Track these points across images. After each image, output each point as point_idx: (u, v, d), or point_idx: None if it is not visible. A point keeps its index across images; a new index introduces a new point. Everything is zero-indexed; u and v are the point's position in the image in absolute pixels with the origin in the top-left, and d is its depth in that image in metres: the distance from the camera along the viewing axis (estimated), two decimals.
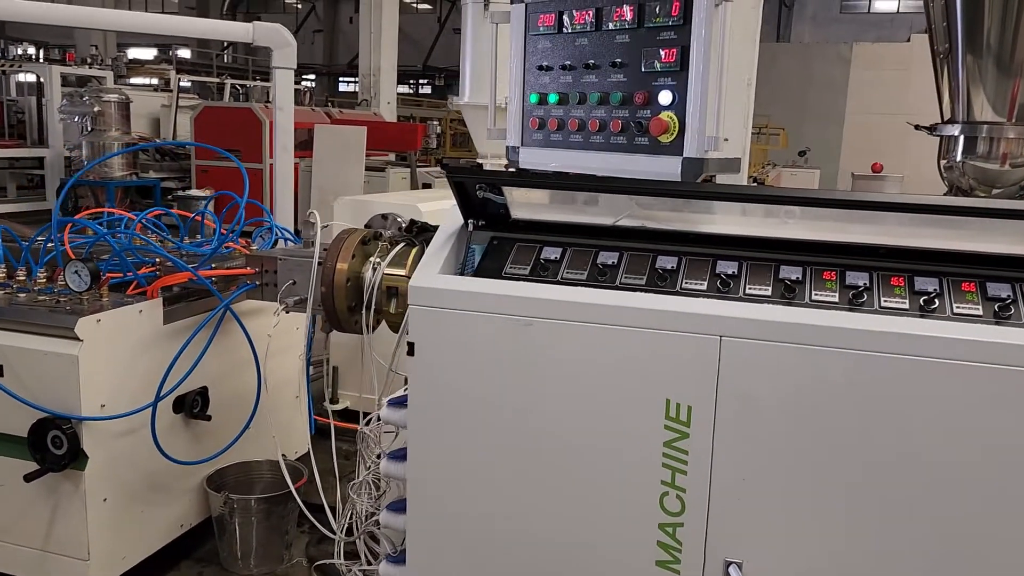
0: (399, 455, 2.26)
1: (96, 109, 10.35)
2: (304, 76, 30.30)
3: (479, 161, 5.13)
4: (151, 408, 2.75)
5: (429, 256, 2.06)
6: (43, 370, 2.60)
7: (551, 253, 1.98)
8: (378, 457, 2.43)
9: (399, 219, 4.22)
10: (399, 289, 2.75)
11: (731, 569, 1.81)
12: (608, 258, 1.94)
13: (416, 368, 1.96)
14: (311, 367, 3.51)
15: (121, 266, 2.92)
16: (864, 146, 16.52)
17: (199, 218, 3.74)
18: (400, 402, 2.29)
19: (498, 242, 2.06)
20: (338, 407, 4.42)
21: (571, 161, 2.04)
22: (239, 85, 16.04)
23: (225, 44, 26.52)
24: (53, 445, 2.59)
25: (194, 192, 11.20)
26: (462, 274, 2.04)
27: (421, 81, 32.89)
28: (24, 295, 2.78)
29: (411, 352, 1.96)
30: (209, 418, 3.05)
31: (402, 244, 2.82)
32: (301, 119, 11.95)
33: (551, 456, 1.89)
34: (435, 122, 14.20)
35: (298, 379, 3.75)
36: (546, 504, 1.93)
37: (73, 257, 2.86)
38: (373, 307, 2.78)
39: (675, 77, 1.81)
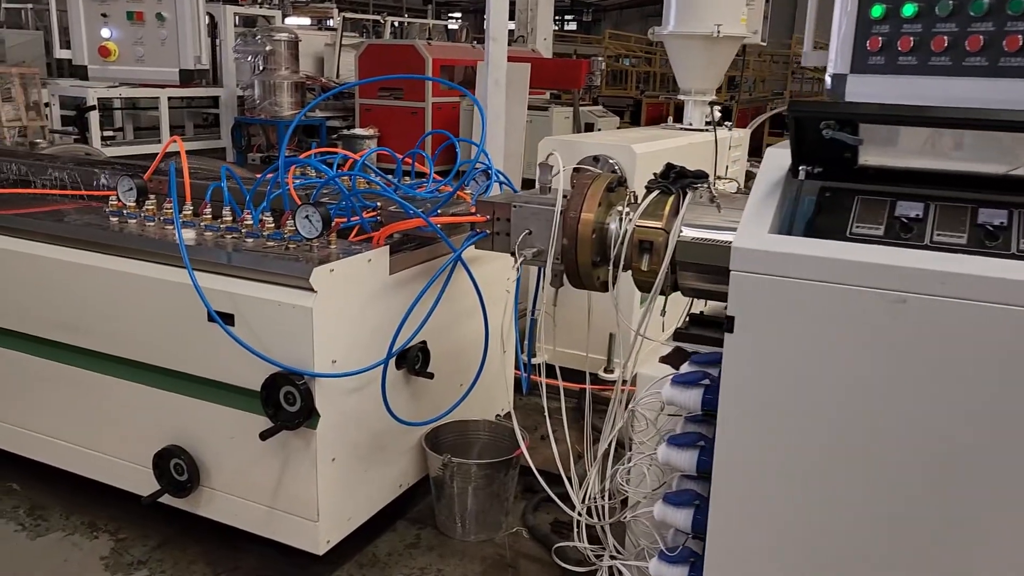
0: (683, 442, 1.96)
1: (268, 48, 10.46)
2: (450, 15, 30.10)
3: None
4: (382, 365, 2.56)
5: (753, 210, 1.70)
6: (275, 321, 2.44)
7: (910, 209, 1.58)
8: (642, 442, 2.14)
9: (611, 161, 3.88)
10: (653, 244, 2.41)
11: None
12: (994, 217, 1.52)
13: (736, 348, 1.63)
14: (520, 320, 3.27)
15: (346, 211, 2.72)
16: None
17: (408, 160, 3.50)
18: (688, 381, 1.97)
19: (831, 195, 1.68)
20: (536, 361, 4.17)
21: (929, 90, 1.62)
22: (396, 23, 15.99)
23: None
24: (286, 401, 2.44)
25: (359, 131, 11.24)
26: (789, 233, 1.67)
27: (566, 17, 32.04)
28: (252, 240, 2.62)
29: (730, 328, 1.63)
30: (431, 375, 2.85)
31: (656, 192, 2.48)
32: (460, 56, 11.75)
33: (923, 468, 1.52)
34: (599, 59, 13.62)
35: (504, 333, 3.52)
36: (909, 527, 1.57)
37: (300, 202, 2.68)
38: (622, 263, 2.47)
39: None
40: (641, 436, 2.21)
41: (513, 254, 2.65)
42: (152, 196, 2.88)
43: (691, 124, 4.95)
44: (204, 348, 2.57)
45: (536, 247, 2.60)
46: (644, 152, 3.86)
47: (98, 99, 9.53)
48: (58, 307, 2.81)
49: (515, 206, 2.63)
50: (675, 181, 2.47)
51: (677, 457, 1.94)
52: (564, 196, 2.56)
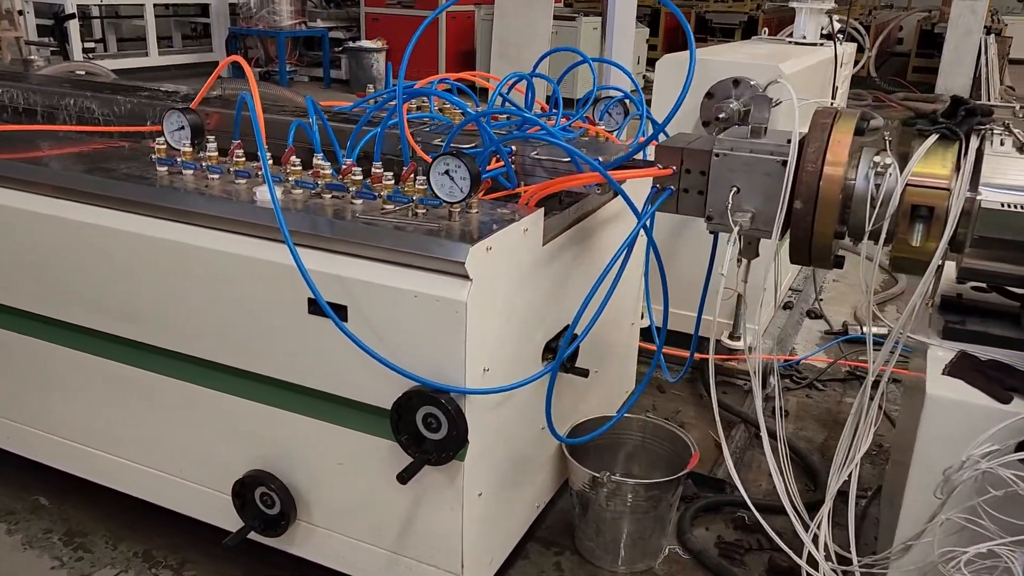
0: None
1: None
2: None
3: None
4: (551, 372, 1.92)
5: None
6: (408, 318, 1.78)
7: None
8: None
9: (753, 83, 3.16)
10: (934, 210, 1.76)
11: None
12: None
13: None
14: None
15: (481, 160, 2.02)
16: None
17: (508, 85, 2.76)
18: None
19: None
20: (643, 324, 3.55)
21: None
22: None
23: None
24: (427, 426, 1.80)
25: (365, 43, 10.33)
26: None
27: None
28: (362, 202, 1.93)
29: None
30: (586, 373, 2.21)
31: (934, 136, 1.81)
32: None
33: None
34: None
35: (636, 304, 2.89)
36: None
37: (423, 156, 1.98)
38: (883, 235, 1.82)
39: None
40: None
41: (710, 219, 1.99)
42: (211, 137, 2.16)
43: (804, 37, 4.20)
44: (302, 348, 1.92)
45: (749, 210, 1.93)
46: (793, 72, 3.15)
47: (77, 6, 8.53)
48: (104, 289, 2.13)
49: (718, 154, 1.94)
50: (963, 121, 1.79)
51: None
52: (784, 141, 1.89)
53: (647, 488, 2.25)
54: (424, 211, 1.88)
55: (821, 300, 4.23)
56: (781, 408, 2.11)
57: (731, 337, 3.45)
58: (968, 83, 11.41)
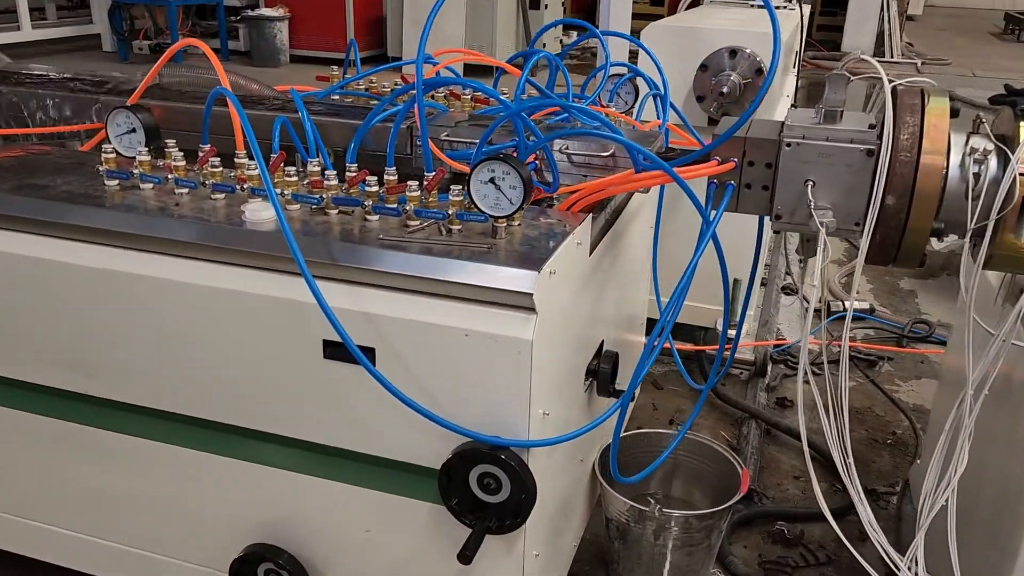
0: None
1: None
2: None
3: None
4: (619, 409, 1.64)
5: None
6: (455, 360, 1.46)
7: None
8: None
9: (749, 53, 2.92)
10: None
11: None
12: None
13: None
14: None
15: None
16: None
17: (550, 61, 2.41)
18: None
19: None
20: None
21: None
22: None
23: None
24: (483, 488, 1.49)
25: (266, 11, 9.66)
26: None
27: None
28: (377, 218, 1.58)
29: None
30: (633, 397, 1.94)
31: None
32: None
33: None
34: None
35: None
36: None
37: (448, 161, 1.64)
38: (988, 233, 1.60)
39: None
40: None
41: (778, 217, 1.74)
42: (171, 141, 1.76)
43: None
44: (315, 400, 1.57)
45: (827, 207, 1.69)
46: (785, 39, 2.93)
47: None
48: (55, 338, 1.71)
49: (789, 143, 1.68)
50: None
51: None
52: (870, 126, 1.64)
53: (700, 519, 2.01)
54: (459, 227, 1.55)
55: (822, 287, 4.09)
56: (842, 406, 1.87)
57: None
58: (872, 40, 11.62)
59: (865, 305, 3.80)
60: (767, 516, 2.44)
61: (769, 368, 3.22)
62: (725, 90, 2.74)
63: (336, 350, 1.48)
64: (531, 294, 1.38)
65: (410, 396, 1.46)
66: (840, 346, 3.41)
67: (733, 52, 2.83)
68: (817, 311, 3.30)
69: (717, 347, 3.25)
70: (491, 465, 1.47)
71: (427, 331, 1.45)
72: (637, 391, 1.98)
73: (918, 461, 2.57)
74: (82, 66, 9.69)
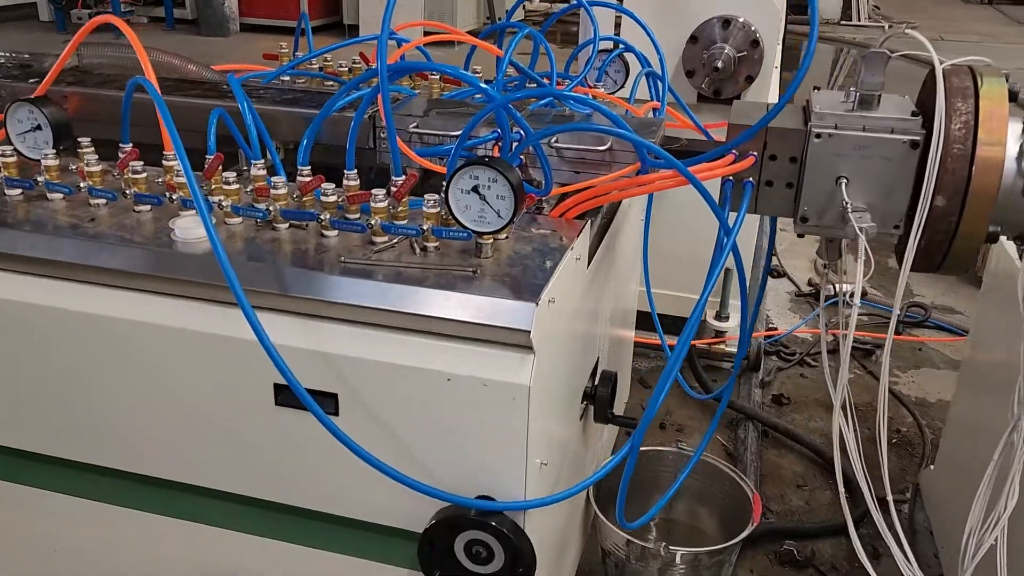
0: None
1: None
2: None
3: None
4: (631, 452, 1.40)
5: None
6: (434, 409, 1.21)
7: None
8: None
9: (742, 22, 2.65)
10: None
11: None
12: None
13: None
14: None
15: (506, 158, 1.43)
16: None
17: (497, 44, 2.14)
18: None
19: None
20: None
21: None
22: None
23: None
24: (472, 557, 1.25)
25: None
26: None
27: None
28: (336, 235, 1.31)
29: None
30: (633, 424, 1.70)
31: None
32: None
33: None
34: None
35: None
36: None
37: (409, 152, 1.37)
38: None
39: None
40: None
41: (804, 220, 1.50)
42: (84, 140, 1.47)
43: None
44: (265, 451, 1.31)
45: (863, 208, 1.45)
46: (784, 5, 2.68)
47: None
48: None
49: (819, 134, 1.44)
50: None
51: None
52: (911, 114, 1.41)
53: (711, 555, 1.80)
54: (436, 244, 1.29)
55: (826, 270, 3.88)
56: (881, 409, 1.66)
57: (717, 317, 3.03)
58: (839, 3, 11.43)
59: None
60: (773, 534, 2.24)
61: (762, 361, 3.02)
62: (720, 65, 2.49)
63: (289, 396, 1.22)
64: (528, 331, 1.13)
65: (380, 449, 1.20)
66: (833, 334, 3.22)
67: (726, 22, 2.57)
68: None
69: (718, 348, 3.07)
70: (480, 531, 1.23)
71: (400, 374, 1.20)
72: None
73: (931, 467, 2.39)
74: (18, 38, 9.11)
